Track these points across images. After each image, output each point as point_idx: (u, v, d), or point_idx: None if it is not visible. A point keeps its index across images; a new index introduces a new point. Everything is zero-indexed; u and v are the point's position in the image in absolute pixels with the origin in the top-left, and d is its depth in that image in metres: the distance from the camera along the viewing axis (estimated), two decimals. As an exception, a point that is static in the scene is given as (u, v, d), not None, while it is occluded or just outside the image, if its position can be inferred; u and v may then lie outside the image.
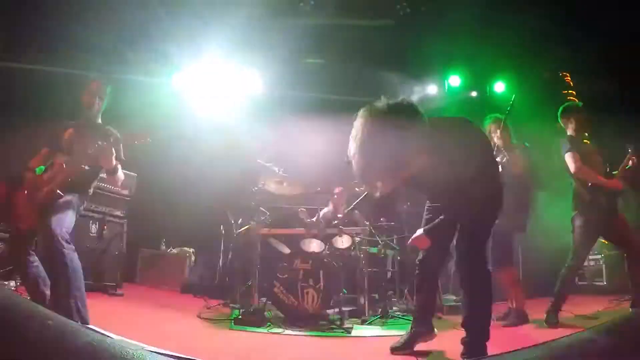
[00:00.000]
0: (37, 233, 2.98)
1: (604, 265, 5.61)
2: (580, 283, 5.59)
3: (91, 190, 3.30)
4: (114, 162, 3.09)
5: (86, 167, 3.08)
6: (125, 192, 5.17)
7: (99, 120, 3.38)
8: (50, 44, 4.84)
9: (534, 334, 3.56)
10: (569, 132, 4.03)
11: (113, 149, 3.07)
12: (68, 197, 3.04)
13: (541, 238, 4.81)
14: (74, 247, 2.93)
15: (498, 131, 3.99)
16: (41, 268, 3.02)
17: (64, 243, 2.86)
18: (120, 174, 3.26)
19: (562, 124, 4.08)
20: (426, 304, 2.98)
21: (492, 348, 2.49)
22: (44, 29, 4.75)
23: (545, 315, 3.78)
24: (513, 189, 3.86)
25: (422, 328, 2.93)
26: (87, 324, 2.79)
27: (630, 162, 3.89)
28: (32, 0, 4.68)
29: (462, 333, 2.60)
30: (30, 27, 4.77)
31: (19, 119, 4.44)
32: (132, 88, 4.94)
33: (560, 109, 4.12)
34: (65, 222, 2.96)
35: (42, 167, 3.20)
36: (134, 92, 4.88)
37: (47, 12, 4.67)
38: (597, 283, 5.66)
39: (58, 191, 2.99)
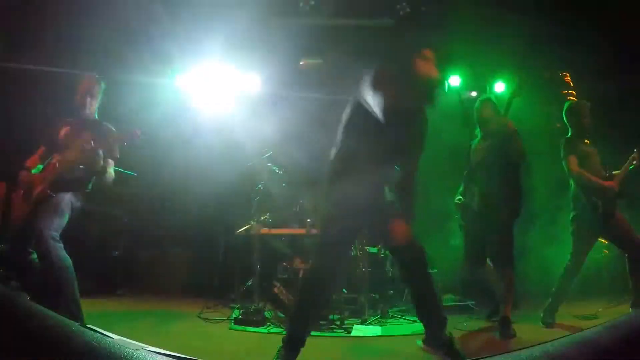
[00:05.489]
0: (29, 233, 2.94)
1: (604, 266, 5.59)
2: (579, 283, 5.57)
3: (89, 188, 3.24)
4: (102, 163, 3.05)
5: (81, 166, 3.05)
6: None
7: (95, 117, 3.34)
8: (50, 44, 4.83)
9: (534, 334, 3.57)
10: (571, 131, 4.01)
11: (101, 152, 3.02)
12: (61, 196, 3.01)
13: (540, 237, 4.81)
14: (62, 245, 2.90)
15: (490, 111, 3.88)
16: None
17: (51, 242, 2.83)
18: (110, 172, 3.20)
19: (566, 122, 4.03)
20: None
21: (491, 348, 2.50)
22: (43, 28, 4.75)
23: (541, 315, 3.81)
24: (508, 175, 3.71)
25: None
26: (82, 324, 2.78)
27: (634, 162, 3.88)
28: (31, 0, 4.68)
29: (461, 333, 2.59)
30: (30, 27, 4.77)
31: (19, 120, 4.43)
32: (132, 88, 4.94)
33: (566, 105, 4.05)
34: (54, 221, 2.92)
35: (40, 166, 3.19)
36: (133, 92, 4.88)
37: (48, 12, 4.67)
38: (597, 283, 5.64)
39: (49, 191, 2.96)
